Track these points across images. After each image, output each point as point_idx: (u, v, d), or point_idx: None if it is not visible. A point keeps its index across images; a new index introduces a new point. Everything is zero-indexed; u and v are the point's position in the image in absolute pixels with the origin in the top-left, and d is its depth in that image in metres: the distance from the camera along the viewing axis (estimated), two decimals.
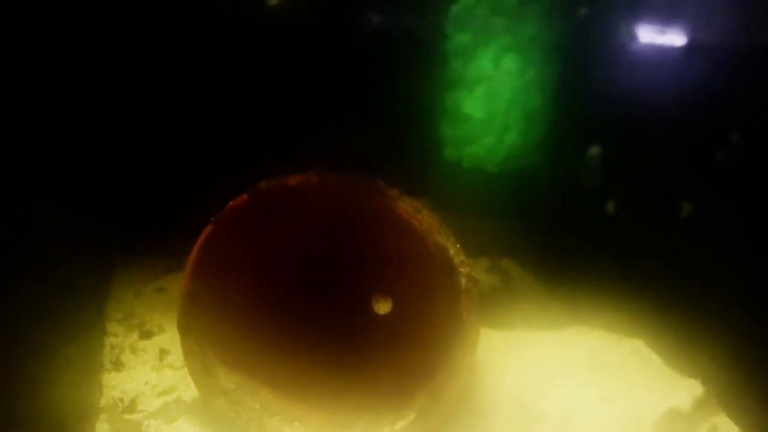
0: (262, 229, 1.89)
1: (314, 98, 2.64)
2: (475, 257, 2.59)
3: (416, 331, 2.00)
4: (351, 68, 2.63)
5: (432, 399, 1.68)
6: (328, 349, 2.05)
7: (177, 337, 1.80)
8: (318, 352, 2.03)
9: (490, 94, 2.55)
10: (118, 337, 2.19)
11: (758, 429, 1.82)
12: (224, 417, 1.78)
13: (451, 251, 1.70)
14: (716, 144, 2.10)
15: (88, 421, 1.77)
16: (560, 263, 2.59)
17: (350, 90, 2.65)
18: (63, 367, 1.69)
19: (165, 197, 2.60)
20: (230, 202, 1.74)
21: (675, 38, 2.25)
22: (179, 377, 2.01)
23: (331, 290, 2.15)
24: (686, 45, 2.22)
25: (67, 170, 2.12)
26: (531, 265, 2.64)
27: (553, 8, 2.47)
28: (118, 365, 2.06)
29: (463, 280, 1.67)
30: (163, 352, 2.13)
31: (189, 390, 1.93)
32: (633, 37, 2.32)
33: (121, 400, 1.89)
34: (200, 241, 1.74)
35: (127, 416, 1.84)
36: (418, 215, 1.70)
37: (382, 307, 2.01)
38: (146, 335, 2.21)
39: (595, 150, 2.45)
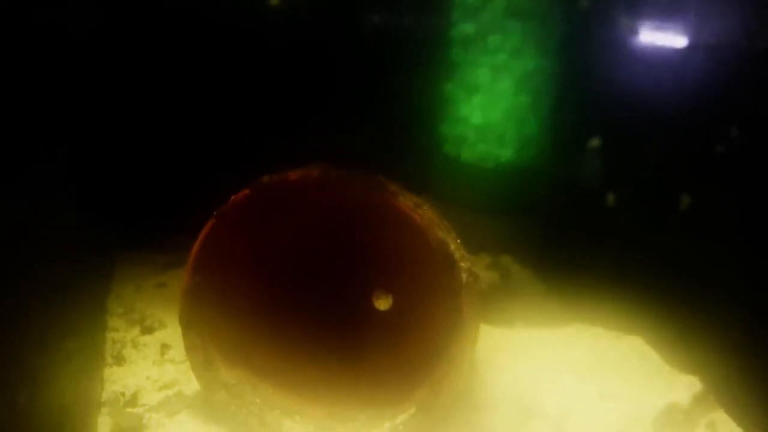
0: (263, 224, 1.89)
1: (315, 97, 2.64)
2: (475, 254, 2.60)
3: (417, 326, 2.01)
4: (352, 66, 2.64)
5: (432, 393, 1.69)
6: (329, 342, 2.06)
7: (178, 332, 1.81)
8: (319, 346, 2.03)
9: (491, 91, 2.56)
10: (119, 332, 2.20)
11: (756, 425, 1.82)
12: (225, 411, 1.79)
13: (452, 246, 1.70)
14: (716, 143, 2.11)
15: (90, 415, 1.77)
16: (559, 260, 2.59)
17: (351, 88, 2.65)
18: (65, 361, 1.69)
19: (166, 194, 2.60)
20: (232, 197, 1.75)
21: (676, 38, 2.26)
22: (180, 372, 2.02)
23: (332, 284, 2.15)
24: (687, 45, 2.23)
25: (68, 166, 2.13)
26: (530, 262, 2.64)
27: (555, 8, 2.48)
28: (119, 360, 2.06)
29: (464, 275, 1.68)
30: (164, 347, 2.14)
31: (190, 384, 1.94)
32: (634, 37, 2.33)
33: (123, 394, 1.90)
34: (202, 235, 1.74)
35: (128, 410, 1.84)
36: (419, 210, 1.70)
37: (383, 303, 2.02)
38: (147, 330, 2.22)
39: (595, 148, 2.46)
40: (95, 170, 2.42)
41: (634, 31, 2.33)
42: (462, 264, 1.70)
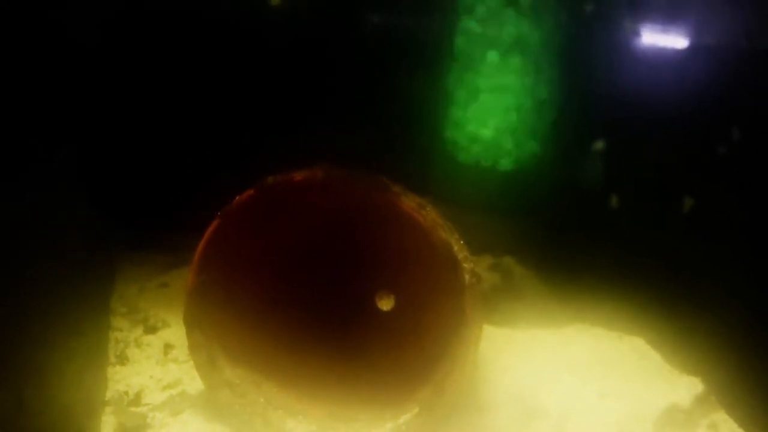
0: (267, 224, 1.90)
1: (316, 97, 2.64)
2: (478, 255, 2.60)
3: (420, 326, 2.01)
4: (353, 66, 2.64)
5: (435, 393, 1.70)
6: (333, 342, 2.06)
7: (181, 331, 1.81)
8: (322, 346, 2.04)
9: (493, 92, 2.56)
10: (122, 332, 2.20)
11: (758, 426, 1.83)
12: (229, 410, 1.79)
13: (455, 247, 1.71)
14: (717, 144, 2.11)
15: (94, 414, 1.78)
16: (561, 261, 2.60)
17: (352, 88, 2.66)
18: (68, 360, 1.70)
19: (168, 194, 2.60)
20: (236, 197, 1.76)
21: (677, 39, 2.27)
22: (184, 371, 2.03)
23: (336, 284, 2.16)
24: (688, 46, 2.23)
25: (72, 166, 2.13)
26: (532, 263, 2.65)
27: (556, 9, 2.49)
28: (123, 359, 2.07)
29: (467, 276, 1.68)
30: (167, 347, 2.14)
31: (193, 384, 1.94)
32: (635, 38, 2.34)
33: (127, 393, 1.90)
34: (207, 235, 1.75)
35: (132, 409, 1.85)
36: (422, 211, 1.71)
37: (386, 304, 2.03)
38: (151, 330, 2.22)
39: (597, 149, 2.47)
40: (98, 170, 2.43)
41: (636, 33, 2.33)
42: (465, 265, 1.70)
